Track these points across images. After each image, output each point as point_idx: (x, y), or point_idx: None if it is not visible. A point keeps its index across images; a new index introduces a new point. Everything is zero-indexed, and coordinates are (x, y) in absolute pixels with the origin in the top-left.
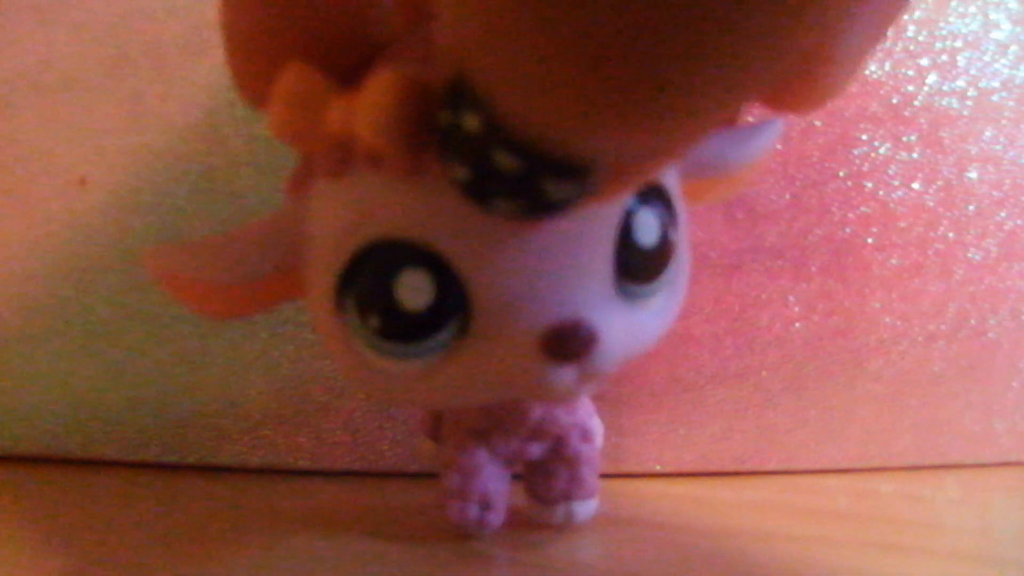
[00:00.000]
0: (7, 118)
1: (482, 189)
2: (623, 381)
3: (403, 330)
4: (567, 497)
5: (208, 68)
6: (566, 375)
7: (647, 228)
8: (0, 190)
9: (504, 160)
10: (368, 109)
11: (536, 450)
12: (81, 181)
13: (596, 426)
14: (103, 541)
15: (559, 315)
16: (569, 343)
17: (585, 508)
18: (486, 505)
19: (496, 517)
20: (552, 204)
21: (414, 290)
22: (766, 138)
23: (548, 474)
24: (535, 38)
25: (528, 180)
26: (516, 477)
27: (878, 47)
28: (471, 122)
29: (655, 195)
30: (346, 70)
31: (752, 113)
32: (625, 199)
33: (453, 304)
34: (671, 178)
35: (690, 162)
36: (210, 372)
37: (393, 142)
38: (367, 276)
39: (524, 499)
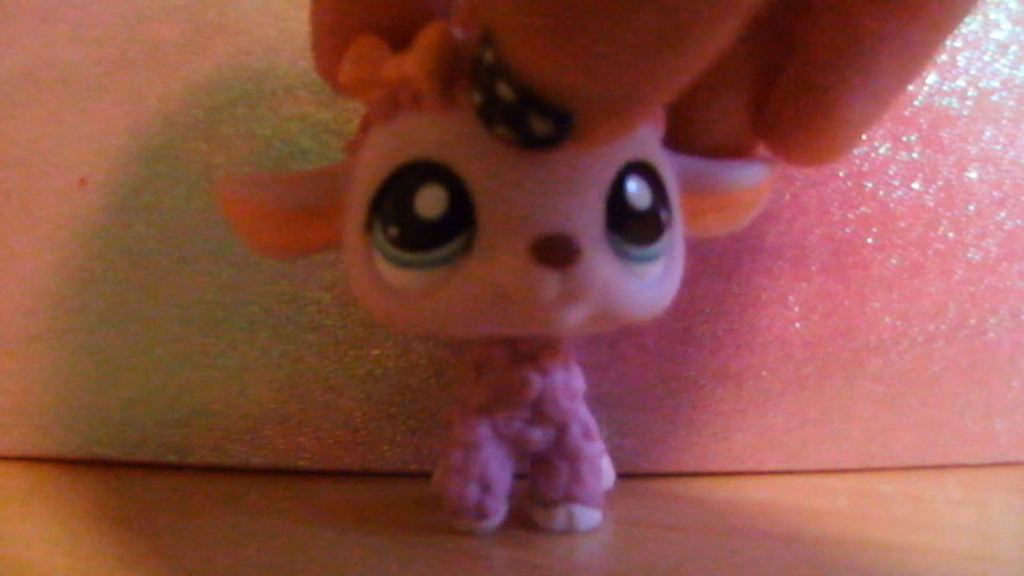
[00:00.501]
0: (7, 118)
1: (489, 115)
2: (623, 381)
3: (418, 238)
4: (569, 498)
5: (208, 68)
6: (551, 282)
7: (638, 192)
8: (0, 190)
9: (504, 91)
10: (416, 52)
11: (538, 435)
12: (81, 181)
13: (606, 464)
14: (103, 541)
15: (550, 227)
16: (555, 249)
17: (587, 515)
18: (486, 487)
19: (494, 504)
20: (537, 137)
21: (431, 202)
22: (753, 173)
23: (550, 473)
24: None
25: (520, 111)
26: (520, 477)
27: (888, 109)
28: (487, 56)
29: (648, 172)
30: (402, 41)
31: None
32: (619, 162)
33: (462, 217)
34: (669, 175)
35: (686, 174)
36: (210, 372)
37: (432, 77)
38: (394, 194)
39: (526, 504)
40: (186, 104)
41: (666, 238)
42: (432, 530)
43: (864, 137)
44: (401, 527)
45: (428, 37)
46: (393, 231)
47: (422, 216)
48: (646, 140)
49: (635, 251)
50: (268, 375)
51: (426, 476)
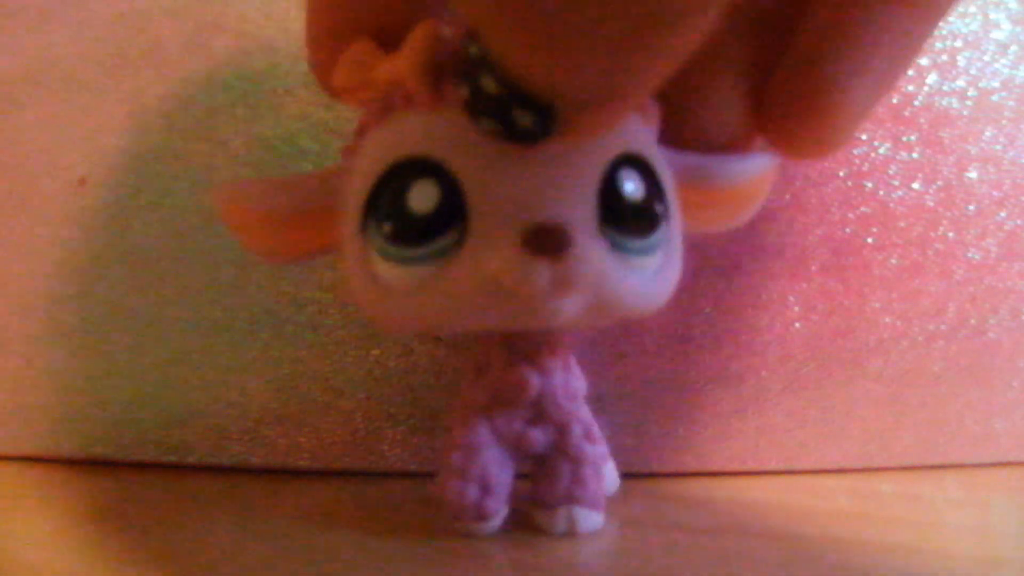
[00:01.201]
0: (7, 118)
1: (474, 107)
2: (623, 381)
3: (411, 232)
4: (570, 500)
5: (208, 68)
6: (542, 272)
7: (631, 184)
8: (0, 190)
9: (489, 84)
10: (407, 53)
11: (538, 436)
12: (81, 181)
13: (610, 468)
14: (103, 541)
15: (541, 217)
16: (546, 238)
17: (589, 518)
18: (485, 488)
19: (494, 504)
20: (521, 130)
21: (423, 197)
22: (753, 166)
23: (551, 474)
24: None
25: (503, 105)
26: (522, 476)
27: (886, 96)
28: (472, 50)
29: (641, 164)
30: (395, 44)
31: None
32: (610, 153)
33: (454, 210)
34: (663, 168)
35: (683, 168)
36: (210, 372)
37: (421, 76)
38: (387, 191)
39: (527, 506)
40: (186, 104)
41: (662, 231)
42: (432, 530)
43: (862, 128)
44: (401, 527)
45: (417, 37)
46: (387, 227)
47: (415, 211)
48: (638, 133)
49: (630, 243)
50: (268, 375)
51: (426, 476)
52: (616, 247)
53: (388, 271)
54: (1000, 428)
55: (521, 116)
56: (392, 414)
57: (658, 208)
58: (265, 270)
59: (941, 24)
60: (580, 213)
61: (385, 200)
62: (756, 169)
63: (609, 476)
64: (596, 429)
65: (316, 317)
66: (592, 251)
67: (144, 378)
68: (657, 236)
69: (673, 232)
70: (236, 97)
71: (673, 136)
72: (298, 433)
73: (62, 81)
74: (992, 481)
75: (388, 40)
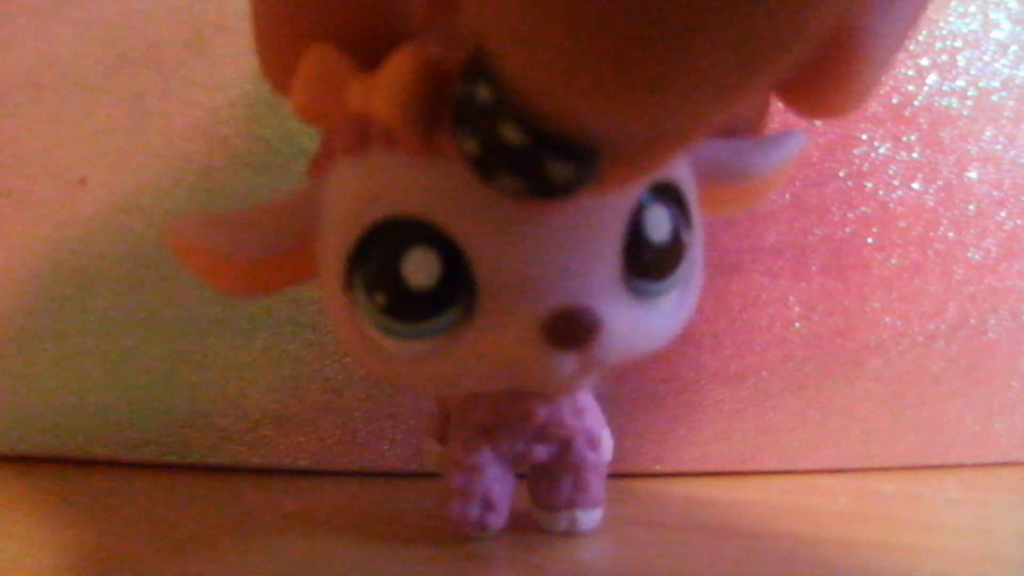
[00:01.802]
0: (7, 118)
1: (489, 164)
2: (623, 381)
3: (409, 308)
4: (572, 505)
5: (208, 68)
6: (567, 363)
7: (658, 224)
8: (0, 190)
9: (511, 133)
10: (386, 85)
11: (542, 452)
12: (81, 181)
13: (605, 436)
14: (103, 541)
15: (563, 300)
16: (571, 329)
17: (589, 517)
18: (488, 505)
19: (497, 518)
20: (554, 185)
21: (421, 268)
22: (787, 149)
23: (553, 480)
24: (547, 15)
25: (532, 157)
26: (521, 476)
27: (905, 46)
28: (483, 93)
29: (668, 193)
30: (368, 57)
31: (776, 121)
32: (636, 193)
33: (459, 285)
34: (687, 181)
35: (709, 168)
36: (210, 372)
37: (408, 118)
38: (376, 253)
39: (527, 503)
40: (186, 104)
41: (685, 264)
42: (432, 530)
43: (884, 78)
44: (401, 527)
45: (400, 64)
46: (380, 299)
47: (412, 285)
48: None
49: (651, 286)
50: (268, 375)
51: (426, 476)
52: (637, 293)
53: (383, 340)
54: (1000, 428)
55: (558, 168)
56: (392, 414)
57: (684, 237)
58: None
59: (943, 23)
60: (605, 275)
61: (374, 263)
62: (785, 155)
63: (604, 445)
64: (600, 432)
65: (316, 317)
66: (619, 320)
67: (144, 378)
68: (680, 272)
69: (695, 258)
70: (236, 97)
71: None
72: (298, 433)
73: (62, 81)
74: (992, 481)
75: (354, 45)
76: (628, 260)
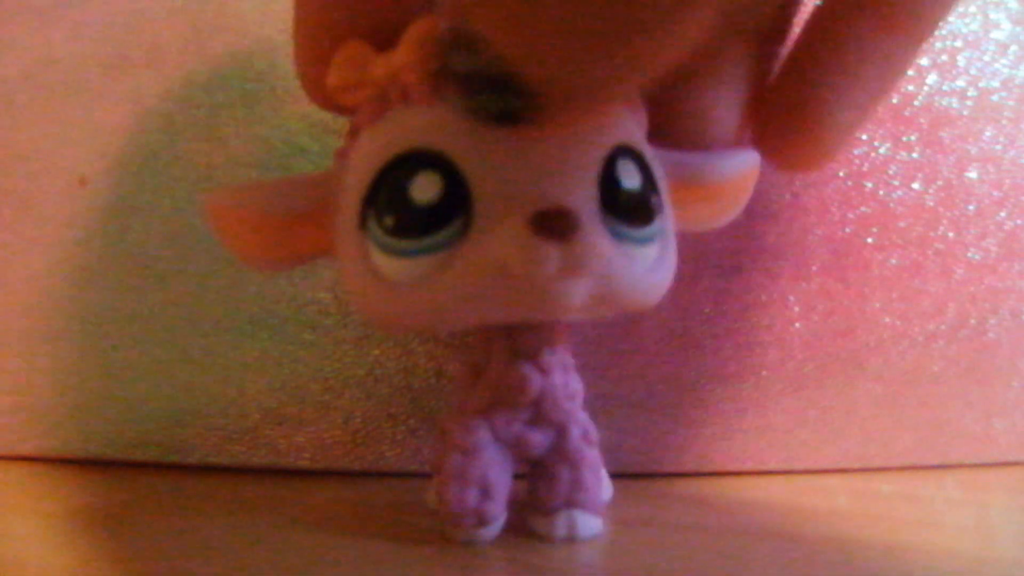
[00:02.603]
0: (7, 118)
1: (469, 86)
2: (623, 381)
3: (415, 224)
4: (571, 504)
5: (208, 68)
6: (552, 254)
7: (628, 173)
8: (0, 190)
9: (464, 60)
10: (405, 48)
11: (537, 438)
12: (81, 181)
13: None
14: (103, 541)
15: (547, 202)
16: (553, 221)
17: (589, 523)
18: (485, 491)
19: (494, 509)
20: (498, 111)
21: (425, 187)
22: (744, 162)
23: (550, 477)
24: None
25: (478, 83)
26: (520, 477)
27: (871, 115)
28: (455, 32)
29: (635, 156)
30: (386, 43)
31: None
32: (607, 142)
33: (458, 199)
34: (656, 164)
35: (680, 168)
36: (210, 372)
37: (421, 70)
38: (388, 183)
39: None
40: (186, 104)
41: (658, 222)
42: (432, 531)
43: (848, 144)
44: (401, 528)
45: (416, 31)
46: (389, 220)
47: (417, 202)
48: (631, 127)
49: (630, 232)
50: (268, 375)
51: (426, 476)
52: (616, 234)
53: (390, 265)
54: (1000, 428)
55: (497, 96)
56: (392, 414)
57: (653, 200)
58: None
59: (939, 27)
60: (583, 199)
61: (386, 193)
62: (742, 166)
63: (606, 482)
64: (593, 431)
65: (316, 317)
66: (598, 236)
67: (144, 378)
68: (654, 226)
69: (667, 225)
70: (236, 97)
71: (664, 133)
72: (298, 433)
73: (62, 81)
74: (992, 481)
75: (380, 40)
76: (604, 198)
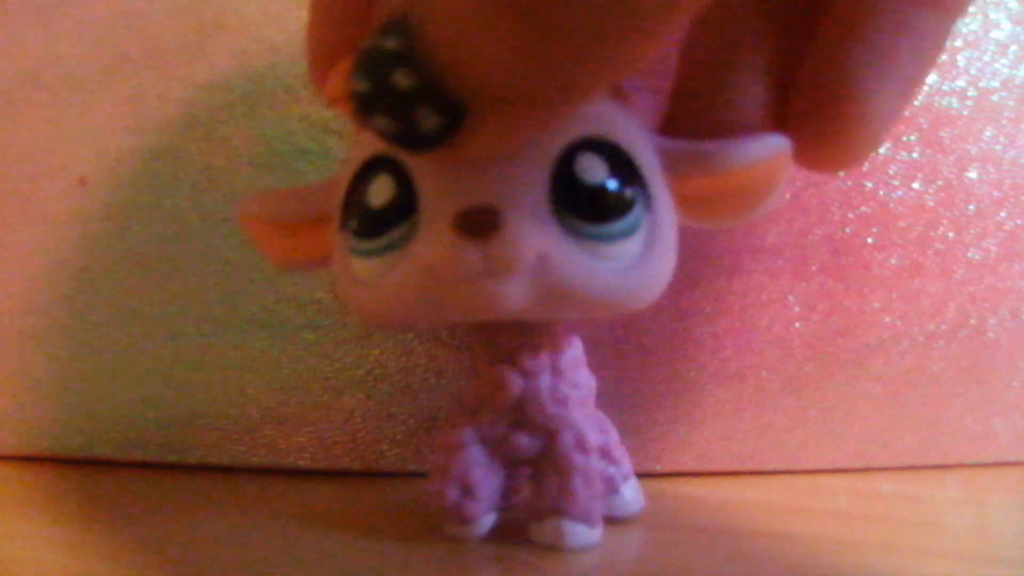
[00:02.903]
0: (7, 118)
1: (371, 104)
2: (623, 381)
3: (370, 226)
4: (557, 513)
5: (208, 68)
6: (471, 253)
7: (591, 168)
8: (0, 190)
9: (402, 79)
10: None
11: (524, 441)
12: (81, 181)
13: (628, 487)
14: (103, 541)
15: (471, 201)
16: (473, 219)
17: (578, 532)
18: (466, 490)
19: (476, 508)
20: (419, 133)
21: (379, 190)
22: (765, 149)
23: (539, 483)
24: None
25: (412, 101)
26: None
27: (909, 101)
28: (390, 43)
29: (605, 148)
30: None
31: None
32: (563, 138)
33: (407, 202)
34: (643, 152)
35: (676, 156)
36: (210, 372)
37: (344, 107)
38: (355, 189)
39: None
40: (186, 104)
41: (632, 217)
42: (432, 531)
43: (888, 136)
44: (401, 528)
45: (338, 73)
46: (353, 223)
47: (372, 205)
48: (606, 117)
49: (589, 228)
50: (268, 375)
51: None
52: (571, 231)
53: (356, 265)
54: (1000, 428)
55: (427, 118)
56: (392, 414)
57: (627, 193)
58: (265, 270)
59: (955, 26)
60: (521, 195)
61: (352, 198)
62: (762, 152)
63: (631, 495)
64: (592, 436)
65: (316, 317)
66: (531, 232)
67: (144, 378)
68: (624, 223)
69: (658, 224)
70: (236, 97)
71: (686, 127)
72: (298, 433)
73: (62, 81)
74: (992, 481)
75: None
76: (557, 195)
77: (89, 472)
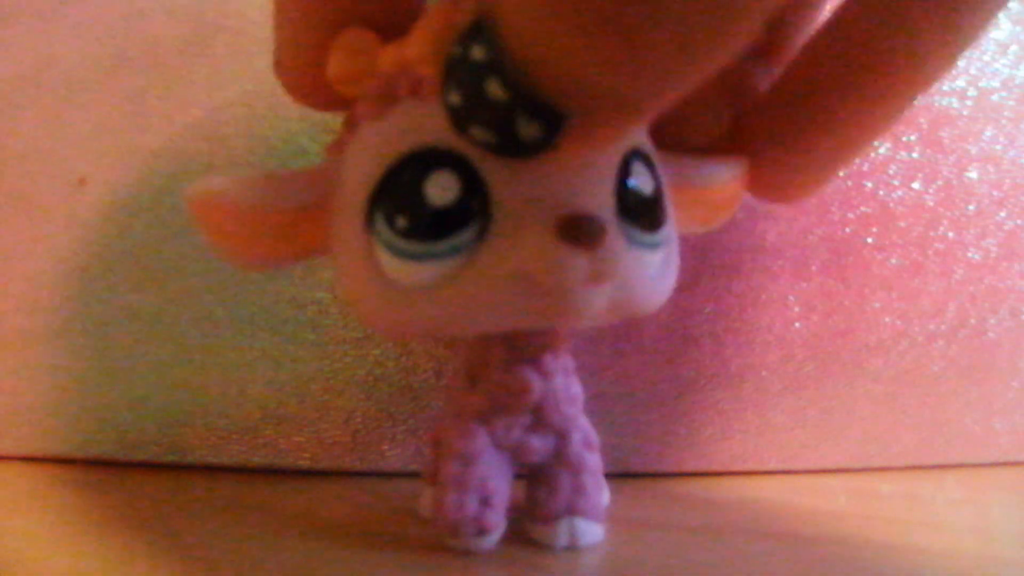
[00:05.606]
0: (7, 118)
1: (467, 116)
2: (623, 381)
3: (430, 226)
4: (572, 511)
5: (208, 68)
6: (580, 262)
7: (643, 178)
8: (0, 190)
9: (495, 90)
10: (419, 37)
11: (538, 444)
12: (81, 181)
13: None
14: (103, 541)
15: (573, 208)
16: (583, 228)
17: (590, 530)
18: (485, 500)
19: (494, 518)
20: (521, 142)
21: (442, 187)
22: (727, 171)
23: (551, 484)
24: None
25: (509, 112)
26: (520, 477)
27: (853, 158)
28: (477, 52)
29: (646, 159)
30: (390, 35)
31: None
32: (623, 149)
33: (476, 203)
34: (659, 164)
35: (677, 172)
36: (210, 372)
37: (437, 61)
38: (400, 182)
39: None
40: (186, 104)
41: (669, 226)
42: (432, 531)
43: (830, 181)
44: (401, 528)
45: (432, 19)
46: (401, 222)
47: (433, 203)
48: (641, 130)
49: (643, 237)
50: (268, 375)
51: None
52: (631, 240)
53: (398, 268)
54: (1000, 428)
55: (527, 127)
56: (392, 414)
57: (663, 204)
58: (265, 270)
59: (936, 83)
60: (604, 203)
61: (397, 193)
62: (727, 174)
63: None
64: (595, 437)
65: (316, 317)
66: (619, 243)
67: (144, 378)
68: (665, 231)
69: (672, 229)
70: (236, 97)
71: (663, 145)
72: (298, 433)
73: (62, 81)
74: (992, 481)
75: (383, 30)
76: (620, 203)
77: (89, 472)
